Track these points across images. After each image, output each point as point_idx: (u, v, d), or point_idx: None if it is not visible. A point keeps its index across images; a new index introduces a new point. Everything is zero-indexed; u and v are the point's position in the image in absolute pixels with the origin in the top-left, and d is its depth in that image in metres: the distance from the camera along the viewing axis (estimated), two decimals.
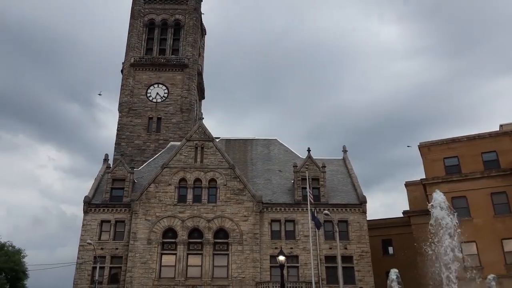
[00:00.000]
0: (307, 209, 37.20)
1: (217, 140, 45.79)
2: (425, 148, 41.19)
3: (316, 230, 37.96)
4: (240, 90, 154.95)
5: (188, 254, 38.77)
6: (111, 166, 44.12)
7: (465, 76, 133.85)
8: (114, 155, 48.87)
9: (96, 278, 36.64)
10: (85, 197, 41.16)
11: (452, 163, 39.48)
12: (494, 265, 33.14)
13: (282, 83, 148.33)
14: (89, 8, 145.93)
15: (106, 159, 46.92)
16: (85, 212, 40.46)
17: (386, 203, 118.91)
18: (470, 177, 37.79)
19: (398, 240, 44.63)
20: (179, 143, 45.32)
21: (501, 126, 41.17)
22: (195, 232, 39.63)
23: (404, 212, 44.61)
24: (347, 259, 38.19)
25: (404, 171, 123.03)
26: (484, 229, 35.58)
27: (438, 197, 20.99)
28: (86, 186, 43.28)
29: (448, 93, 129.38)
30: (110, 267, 38.95)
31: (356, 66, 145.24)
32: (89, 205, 40.70)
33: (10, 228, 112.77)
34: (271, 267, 38.09)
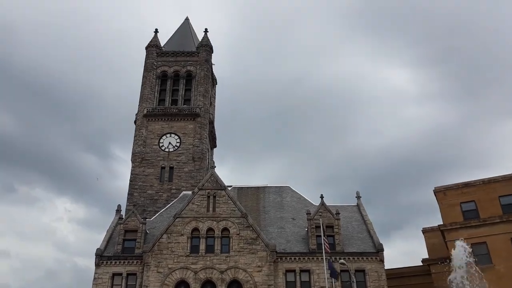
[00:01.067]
0: (322, 258, 36.31)
1: (229, 188, 45.61)
2: (441, 193, 40.52)
3: (333, 280, 36.89)
4: (252, 138, 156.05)
5: None
6: (124, 217, 43.99)
7: (478, 119, 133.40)
8: (126, 206, 48.85)
9: None
10: (97, 249, 40.75)
11: (469, 208, 38.69)
12: None
13: (294, 130, 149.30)
14: (104, 60, 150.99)
15: (118, 210, 46.83)
16: (97, 265, 39.91)
17: (405, 250, 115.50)
18: (489, 222, 36.86)
19: None
20: (191, 192, 45.22)
21: None
22: (208, 284, 38.68)
23: (424, 260, 43.24)
24: None
25: (422, 216, 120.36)
26: (506, 275, 34.22)
27: (460, 246, 20.43)
28: (99, 238, 42.97)
29: (461, 136, 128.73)
30: None
31: (369, 111, 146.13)
32: (101, 257, 40.21)
33: (22, 281, 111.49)
34: None
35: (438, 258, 38.81)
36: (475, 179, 39.84)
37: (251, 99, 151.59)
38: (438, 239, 40.57)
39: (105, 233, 43.96)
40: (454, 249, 20.20)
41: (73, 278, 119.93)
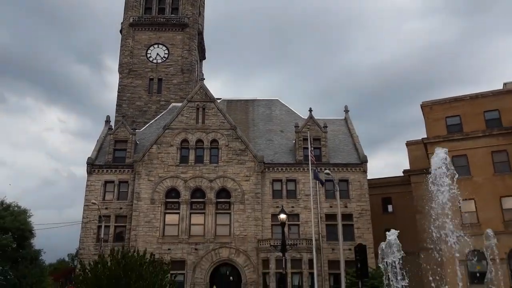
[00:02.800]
0: (308, 169, 37.46)
1: (219, 101, 45.61)
2: (428, 107, 40.88)
3: (317, 188, 38.57)
4: (247, 52, 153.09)
5: (191, 213, 39.50)
6: (113, 127, 44.25)
7: (479, 35, 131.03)
8: (115, 117, 48.90)
9: (102, 236, 37.54)
10: (88, 158, 41.54)
11: (454, 122, 39.27)
12: (492, 221, 33.59)
13: (290, 45, 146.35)
14: None
15: (107, 121, 47.02)
16: (89, 173, 40.94)
17: (391, 163, 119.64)
18: (472, 136, 37.71)
19: (398, 199, 45.16)
20: (180, 104, 45.20)
21: (504, 84, 40.69)
22: (197, 192, 40.22)
23: (405, 171, 44.88)
24: (347, 217, 38.87)
25: (410, 131, 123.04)
26: (483, 187, 35.86)
27: (440, 153, 21.01)
28: (92, 148, 43.66)
29: (459, 53, 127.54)
30: (115, 226, 39.83)
31: (369, 27, 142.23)
32: (93, 166, 41.14)
33: (18, 189, 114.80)
34: (272, 225, 38.89)
35: (419, 169, 40.23)
36: (465, 93, 40.06)
37: (247, 14, 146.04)
38: (421, 152, 41.71)
39: (96, 143, 44.52)
40: (433, 157, 20.77)
41: (70, 187, 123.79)
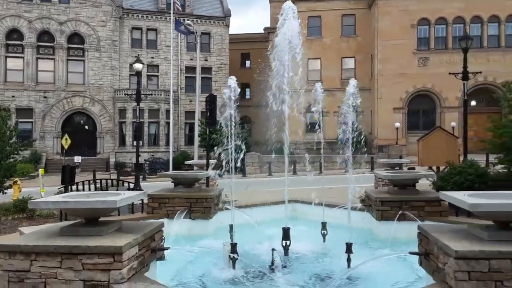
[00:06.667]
0: (170, 18, 36.04)
1: None
2: None
3: (179, 41, 37.96)
4: None
5: (37, 58, 36.16)
6: None
7: None
8: None
9: None
10: None
11: None
12: (332, 79, 37.90)
13: None
14: None
15: None
16: None
17: (258, 21, 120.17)
18: None
19: (256, 55, 46.89)
20: None
21: None
22: (45, 35, 36.40)
23: (265, 28, 46.09)
24: (206, 70, 39.76)
25: None
26: (330, 48, 39.25)
27: (287, 7, 21.78)
28: None
29: None
30: None
31: None
32: None
33: None
34: (130, 75, 38.00)
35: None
36: None
37: None
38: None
39: None
40: (281, 13, 21.60)
41: None
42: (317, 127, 8.87)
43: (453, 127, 31.37)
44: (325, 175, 11.50)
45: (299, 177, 13.73)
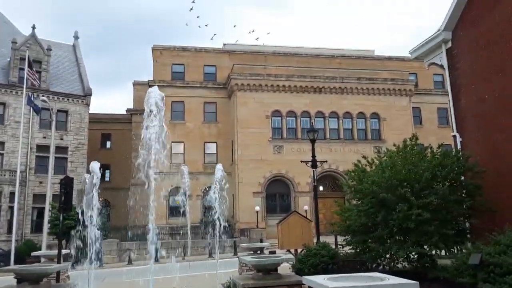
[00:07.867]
0: (22, 93, 33.63)
1: None
2: (158, 51, 42.52)
3: (31, 117, 35.29)
4: None
5: None
6: None
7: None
8: None
9: None
10: None
11: (178, 70, 42.34)
12: (195, 163, 38.63)
13: None
14: None
15: None
16: None
17: (122, 102, 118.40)
18: (191, 85, 41.61)
19: (118, 135, 46.05)
20: None
21: (224, 44, 45.97)
22: None
23: (128, 110, 45.90)
24: (62, 149, 37.22)
25: (147, 72, 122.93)
26: (193, 132, 40.48)
27: (154, 92, 22.28)
28: None
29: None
30: None
31: None
32: None
33: None
34: None
35: (141, 109, 41.90)
36: (192, 45, 43.35)
37: None
38: (146, 93, 43.33)
39: None
40: (147, 96, 21.99)
41: None
42: (181, 210, 8.93)
43: (305, 211, 33.95)
44: (190, 261, 11.31)
45: (163, 264, 13.18)
